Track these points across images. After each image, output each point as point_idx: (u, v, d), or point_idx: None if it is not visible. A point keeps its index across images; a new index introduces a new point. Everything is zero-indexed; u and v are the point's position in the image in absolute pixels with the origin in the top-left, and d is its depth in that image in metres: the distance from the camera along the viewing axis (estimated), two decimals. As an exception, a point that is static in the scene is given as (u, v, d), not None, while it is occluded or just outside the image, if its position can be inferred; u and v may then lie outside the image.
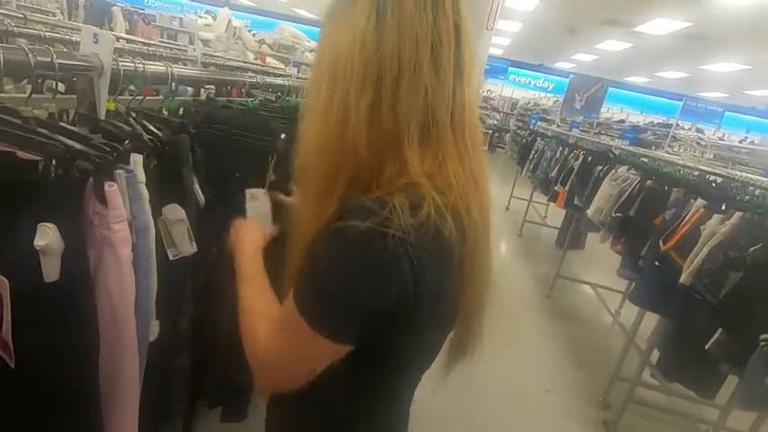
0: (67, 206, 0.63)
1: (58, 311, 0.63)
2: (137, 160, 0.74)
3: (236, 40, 5.39)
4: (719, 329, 1.63)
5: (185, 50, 2.34)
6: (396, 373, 0.64)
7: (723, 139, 7.47)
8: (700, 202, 1.99)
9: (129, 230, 0.70)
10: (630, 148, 3.47)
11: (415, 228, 0.49)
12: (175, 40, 4.13)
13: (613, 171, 2.96)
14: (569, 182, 3.71)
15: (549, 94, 11.96)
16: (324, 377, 0.59)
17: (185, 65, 1.95)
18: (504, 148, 12.11)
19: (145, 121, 0.94)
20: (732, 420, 2.13)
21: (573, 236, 3.89)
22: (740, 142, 7.73)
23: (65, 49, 1.39)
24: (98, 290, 0.68)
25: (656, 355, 2.18)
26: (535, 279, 4.15)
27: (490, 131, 11.82)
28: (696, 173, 2.41)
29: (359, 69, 0.54)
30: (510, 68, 11.46)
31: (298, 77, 2.02)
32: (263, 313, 0.64)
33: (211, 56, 2.51)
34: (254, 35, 5.96)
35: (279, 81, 1.69)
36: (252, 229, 0.82)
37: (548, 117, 8.34)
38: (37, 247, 0.58)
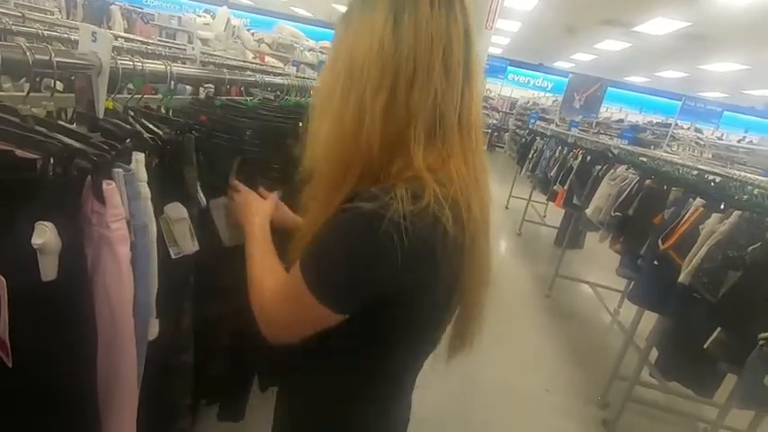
0: (65, 205, 0.63)
1: (56, 310, 0.62)
2: (138, 158, 0.74)
3: (235, 39, 5.38)
4: (718, 328, 1.63)
5: (184, 49, 2.34)
6: (395, 355, 0.67)
7: (722, 139, 7.47)
8: (698, 201, 1.99)
9: (128, 229, 0.70)
10: (629, 148, 3.47)
11: (414, 214, 0.52)
12: (174, 39, 4.12)
13: (612, 170, 2.96)
14: (568, 181, 3.71)
15: (548, 94, 11.96)
16: (328, 356, 0.66)
17: (184, 63, 1.95)
18: (503, 147, 12.12)
19: (144, 120, 0.93)
20: (730, 419, 2.13)
21: (572, 235, 3.89)
22: (739, 142, 7.73)
23: (63, 48, 1.39)
24: (96, 289, 0.68)
25: (654, 354, 2.18)
26: (534, 278, 4.15)
27: (489, 131, 11.82)
28: (695, 172, 2.41)
29: (376, 71, 0.57)
30: (509, 68, 11.45)
31: (297, 76, 2.01)
32: (269, 269, 0.72)
33: (210, 55, 2.51)
34: (252, 34, 5.95)
35: (278, 80, 1.69)
36: (260, 201, 0.91)
37: (547, 116, 8.34)
38: (34, 246, 0.58)
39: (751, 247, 1.63)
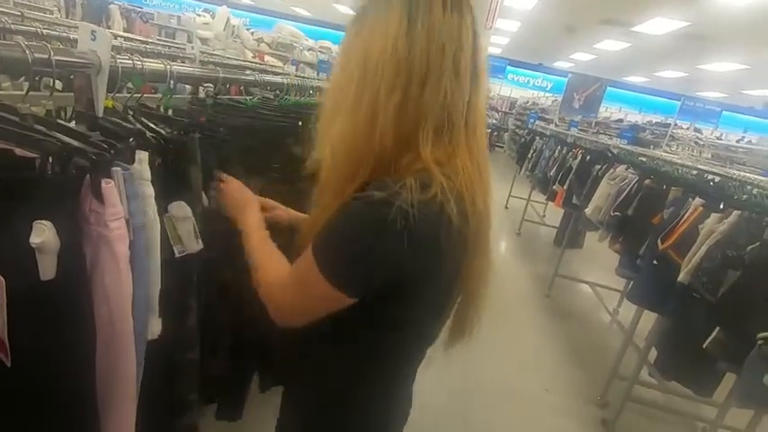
0: (64, 204, 0.63)
1: (55, 310, 0.62)
2: (142, 157, 0.74)
3: (235, 39, 5.38)
4: (717, 328, 1.63)
5: (183, 49, 2.33)
6: (397, 345, 0.70)
7: (721, 139, 7.47)
8: (698, 200, 1.99)
9: (127, 228, 0.70)
10: (629, 148, 3.47)
11: (422, 203, 0.56)
12: (173, 39, 4.12)
13: (612, 170, 2.96)
14: (568, 181, 3.71)
15: (547, 94, 11.96)
16: (333, 343, 0.68)
17: (183, 63, 1.94)
18: (502, 147, 12.11)
19: (144, 119, 0.93)
20: (729, 418, 2.13)
21: (571, 235, 3.89)
22: (738, 142, 7.74)
23: (62, 47, 1.39)
24: (95, 288, 0.68)
25: (654, 353, 2.18)
26: (533, 278, 4.15)
27: (489, 131, 11.81)
28: (694, 172, 2.41)
29: (390, 71, 0.60)
30: (508, 67, 11.43)
31: (296, 76, 2.01)
32: (272, 255, 0.76)
33: (210, 54, 2.51)
34: (252, 33, 5.95)
35: (277, 79, 1.68)
36: (246, 191, 0.94)
37: (546, 116, 8.33)
38: (33, 245, 0.57)
39: (750, 247, 1.63)
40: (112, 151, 0.69)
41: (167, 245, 0.83)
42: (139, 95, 1.00)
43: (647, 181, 2.51)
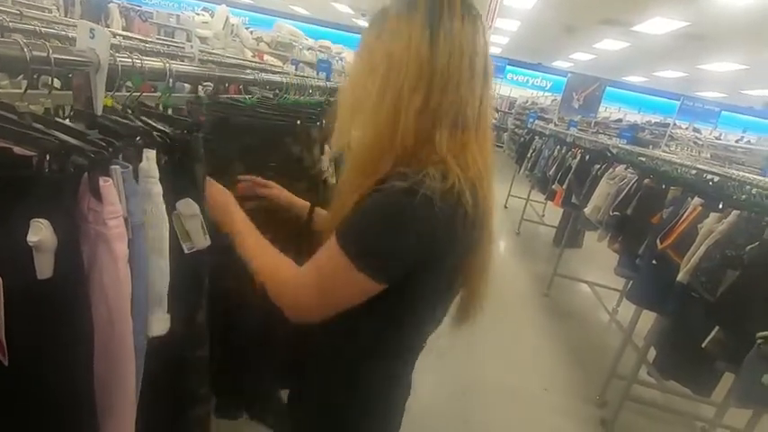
0: (62, 202, 0.62)
1: (52, 309, 0.62)
2: (149, 156, 0.74)
3: (234, 38, 5.37)
4: (716, 327, 1.63)
5: (183, 47, 2.33)
6: (403, 329, 0.73)
7: (720, 139, 7.48)
8: (697, 200, 1.99)
9: (125, 227, 0.69)
10: (628, 147, 3.47)
11: (443, 192, 0.61)
12: (173, 38, 4.11)
13: (611, 170, 2.96)
14: (567, 180, 3.71)
15: (546, 93, 11.97)
16: (334, 327, 0.69)
17: (183, 62, 1.94)
18: (502, 146, 12.11)
19: (144, 117, 0.93)
20: (728, 418, 2.14)
21: (570, 234, 3.89)
22: (737, 142, 7.75)
23: (61, 45, 1.38)
24: (93, 287, 0.67)
25: (653, 353, 2.18)
26: (533, 278, 4.15)
27: (489, 130, 11.78)
28: (693, 172, 2.41)
29: (413, 74, 0.64)
30: (508, 67, 11.47)
31: (296, 75, 2.01)
32: (275, 255, 0.76)
33: (209, 53, 2.50)
34: (251, 33, 5.94)
35: (277, 78, 1.68)
36: (227, 195, 0.92)
37: (545, 116, 8.34)
38: (30, 243, 0.57)
39: (749, 247, 1.63)
40: (111, 149, 0.69)
41: (176, 242, 0.83)
42: (138, 94, 1.00)
43: (646, 180, 2.51)
